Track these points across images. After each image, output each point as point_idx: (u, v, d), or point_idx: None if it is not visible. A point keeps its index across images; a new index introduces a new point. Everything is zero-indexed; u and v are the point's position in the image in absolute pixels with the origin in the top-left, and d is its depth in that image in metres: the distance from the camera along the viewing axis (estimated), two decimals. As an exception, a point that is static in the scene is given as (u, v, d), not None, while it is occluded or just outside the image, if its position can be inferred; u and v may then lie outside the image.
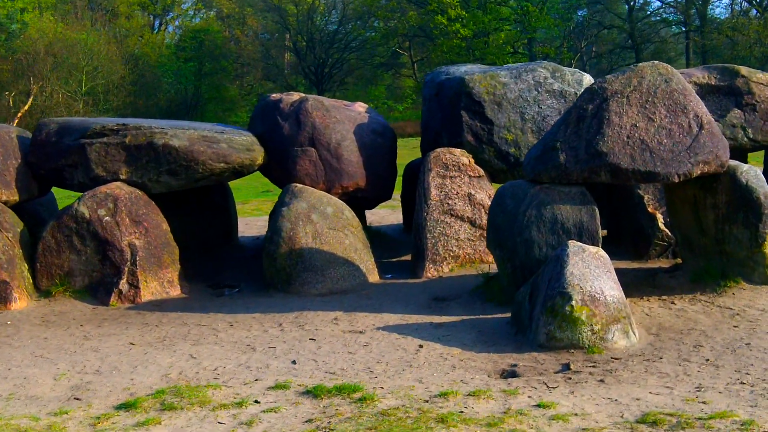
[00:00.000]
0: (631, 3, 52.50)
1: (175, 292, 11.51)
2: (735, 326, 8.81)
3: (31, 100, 45.92)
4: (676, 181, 9.54)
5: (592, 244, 9.48)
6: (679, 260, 11.26)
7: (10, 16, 50.95)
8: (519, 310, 9.11)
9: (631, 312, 8.67)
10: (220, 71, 60.03)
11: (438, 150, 12.10)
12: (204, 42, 59.83)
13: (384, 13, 53.51)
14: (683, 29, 51.11)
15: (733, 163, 10.08)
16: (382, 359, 8.23)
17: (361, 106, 13.42)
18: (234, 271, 12.90)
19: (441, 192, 11.84)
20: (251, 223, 17.35)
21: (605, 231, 12.97)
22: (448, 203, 11.82)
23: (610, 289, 8.55)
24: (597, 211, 9.67)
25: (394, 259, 13.22)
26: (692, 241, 10.61)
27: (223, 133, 12.01)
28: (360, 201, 12.69)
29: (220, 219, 14.09)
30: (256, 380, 7.67)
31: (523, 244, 9.64)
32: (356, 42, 60.00)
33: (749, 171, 9.99)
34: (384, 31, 56.93)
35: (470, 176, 12.01)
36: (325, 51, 58.87)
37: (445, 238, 11.70)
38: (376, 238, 14.24)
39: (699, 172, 9.59)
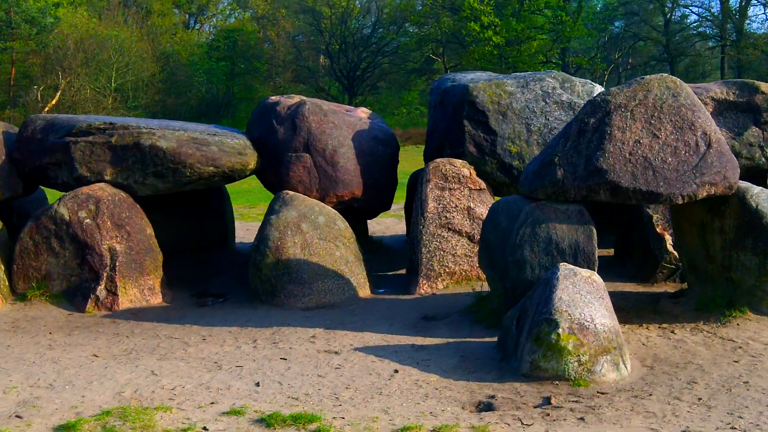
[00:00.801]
0: (668, 15, 51.56)
1: (156, 300, 11.07)
2: (735, 361, 8.19)
3: (59, 94, 45.91)
4: (680, 202, 8.94)
5: (588, 267, 8.90)
6: (685, 285, 10.61)
7: (43, 11, 50.94)
8: (506, 335, 8.55)
9: (623, 342, 8.07)
10: (252, 72, 59.84)
11: (438, 160, 11.55)
12: (237, 42, 59.66)
13: (417, 18, 52.95)
14: (719, 43, 50.04)
15: (744, 184, 9.45)
16: (352, 384, 7.70)
17: (363, 112, 12.91)
18: (225, 279, 12.45)
19: (439, 204, 11.29)
20: (253, 229, 16.86)
21: (612, 250, 12.39)
22: (445, 216, 11.26)
23: (602, 316, 7.96)
24: (594, 231, 9.08)
25: (392, 273, 12.70)
26: (698, 266, 9.99)
27: (216, 136, 11.55)
28: (356, 211, 12.17)
29: (215, 223, 13.62)
30: (212, 403, 7.17)
31: (515, 264, 9.07)
32: (390, 47, 59.54)
33: (760, 194, 9.35)
34: (418, 37, 56.49)
35: (470, 189, 11.45)
36: (357, 55, 58.44)
37: (441, 253, 11.14)
38: (377, 249, 13.75)
39: (705, 193, 8.97)
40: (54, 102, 45.73)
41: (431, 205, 11.27)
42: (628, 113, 9.09)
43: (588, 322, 7.84)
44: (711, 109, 12.12)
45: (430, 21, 53.31)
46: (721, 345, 8.66)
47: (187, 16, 68.36)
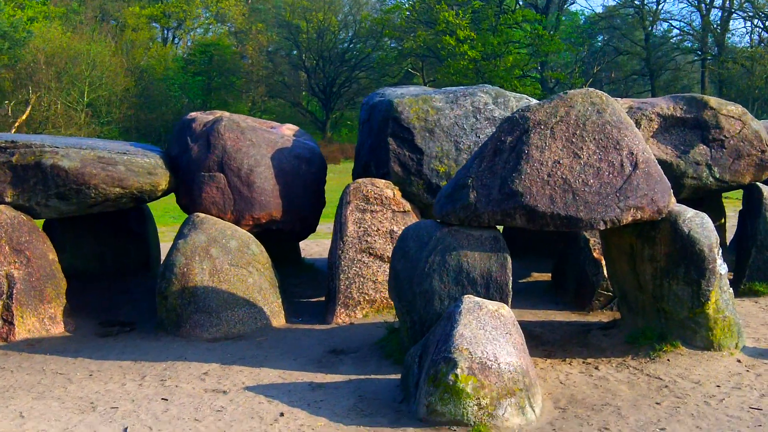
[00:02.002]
0: (649, 29, 50.95)
1: (57, 329, 10.28)
2: (657, 403, 7.47)
3: (29, 110, 45.07)
4: (602, 228, 8.19)
5: (501, 299, 8.16)
6: (618, 315, 9.87)
7: (15, 25, 50.20)
8: (407, 373, 7.80)
9: (534, 381, 7.32)
10: (228, 86, 59.14)
11: (359, 181, 10.80)
12: (213, 56, 58.99)
13: (392, 32, 52.29)
14: (699, 57, 49.45)
15: (678, 208, 8.73)
16: (229, 430, 6.92)
17: (288, 129, 12.15)
18: (141, 306, 11.64)
19: (359, 228, 10.53)
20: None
21: (550, 275, 11.67)
22: (366, 240, 10.50)
23: (507, 354, 7.21)
24: (509, 259, 8.34)
25: (317, 299, 11.90)
26: (629, 296, 9.26)
27: (125, 155, 10.78)
28: (276, 234, 11.37)
29: (136, 247, 12.85)
30: (61, 455, 6.37)
31: (422, 296, 8.32)
32: (367, 61, 58.88)
33: (694, 219, 8.62)
34: (397, 51, 55.85)
35: (394, 211, 10.69)
36: (334, 69, 57.75)
37: (361, 279, 10.38)
38: (307, 272, 13.00)
39: (630, 218, 8.24)
40: (24, 117, 44.89)
41: (351, 228, 10.52)
42: (548, 131, 8.37)
43: (491, 361, 7.10)
44: (656, 126, 11.43)
45: (406, 35, 52.60)
46: (647, 384, 7.93)
47: (164, 30, 67.63)
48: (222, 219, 10.80)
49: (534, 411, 7.18)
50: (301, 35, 57.52)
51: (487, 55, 46.10)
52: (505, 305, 7.78)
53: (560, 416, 7.22)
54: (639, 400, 7.56)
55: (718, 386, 7.82)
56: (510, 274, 8.31)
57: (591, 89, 8.74)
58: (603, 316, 10.39)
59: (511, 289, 8.30)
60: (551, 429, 6.96)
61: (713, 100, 11.77)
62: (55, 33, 51.69)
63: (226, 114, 11.67)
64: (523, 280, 12.58)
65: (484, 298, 8.19)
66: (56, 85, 47.50)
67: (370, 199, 10.68)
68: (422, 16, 51.13)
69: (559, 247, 11.74)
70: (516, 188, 8.16)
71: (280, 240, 11.99)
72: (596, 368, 8.46)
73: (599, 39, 55.88)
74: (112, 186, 10.53)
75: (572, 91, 8.71)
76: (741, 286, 11.26)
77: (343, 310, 10.32)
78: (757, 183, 11.57)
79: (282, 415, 7.30)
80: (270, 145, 11.32)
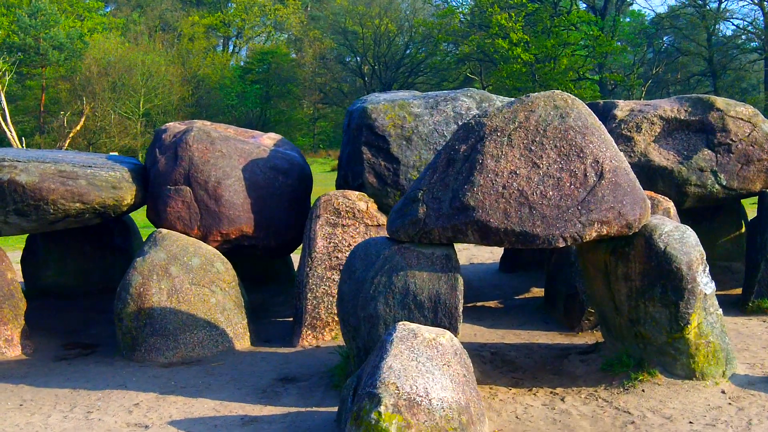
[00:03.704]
0: (711, 29, 49.26)
1: (14, 352, 9.83)
2: (615, 443, 6.61)
3: (83, 120, 45.38)
4: (561, 245, 7.39)
5: (449, 324, 7.43)
6: (601, 339, 9.03)
7: (71, 36, 50.74)
8: (342, 407, 7.08)
9: (475, 419, 6.56)
10: (286, 94, 59.02)
11: (330, 193, 10.11)
12: (271, 64, 58.94)
13: (445, 36, 51.48)
14: (762, 56, 47.59)
15: (655, 222, 7.88)
16: (129, 473, 6.29)
17: (269, 139, 11.52)
18: (112, 327, 11.10)
19: (329, 243, 9.85)
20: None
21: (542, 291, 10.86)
22: (336, 257, 9.81)
23: (442, 389, 6.45)
24: (460, 280, 7.58)
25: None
26: (608, 318, 8.43)
27: (90, 168, 10.28)
28: (249, 250, 10.74)
29: (122, 262, 12.33)
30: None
31: (367, 320, 7.62)
32: (423, 65, 58.18)
33: (672, 233, 7.77)
34: (455, 56, 55.09)
35: (367, 225, 9.99)
36: (391, 75, 57.17)
37: (330, 298, 9.70)
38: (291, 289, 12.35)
39: (594, 234, 7.42)
40: (78, 128, 45.23)
41: (320, 244, 9.84)
42: (505, 138, 7.60)
43: (421, 396, 6.35)
44: (659, 130, 10.54)
45: (462, 39, 51.77)
46: (612, 419, 7.11)
47: (221, 39, 67.84)
48: (188, 235, 10.21)
49: (471, 452, 6.40)
50: (358, 41, 57.05)
51: (541, 58, 45.00)
52: (446, 332, 7.01)
53: (502, 458, 6.44)
54: (597, 438, 6.74)
55: (691, 423, 6.98)
56: (461, 297, 7.56)
57: (556, 91, 7.94)
58: (591, 338, 9.56)
59: (461, 314, 7.54)
60: (486, 474, 6.17)
61: (721, 101, 10.82)
62: (111, 44, 52.07)
63: (199, 123, 11.08)
64: (520, 296, 11.79)
65: (432, 322, 7.47)
66: (111, 95, 47.75)
67: (342, 213, 10.00)
68: (477, 19, 50.26)
69: (549, 262, 10.90)
70: (468, 202, 7.41)
71: (259, 257, 11.35)
72: (562, 400, 7.66)
73: (662, 40, 54.31)
74: (72, 201, 10.03)
75: (535, 94, 7.92)
76: (749, 304, 10.31)
77: (309, 332, 9.66)
78: (768, 191, 10.59)
79: (195, 455, 6.63)
80: (243, 155, 10.69)
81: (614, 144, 7.86)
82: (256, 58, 61.28)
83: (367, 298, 7.64)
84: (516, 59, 44.21)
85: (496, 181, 7.44)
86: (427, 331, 6.91)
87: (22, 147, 38.53)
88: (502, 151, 7.56)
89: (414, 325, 6.96)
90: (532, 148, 7.55)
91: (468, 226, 7.43)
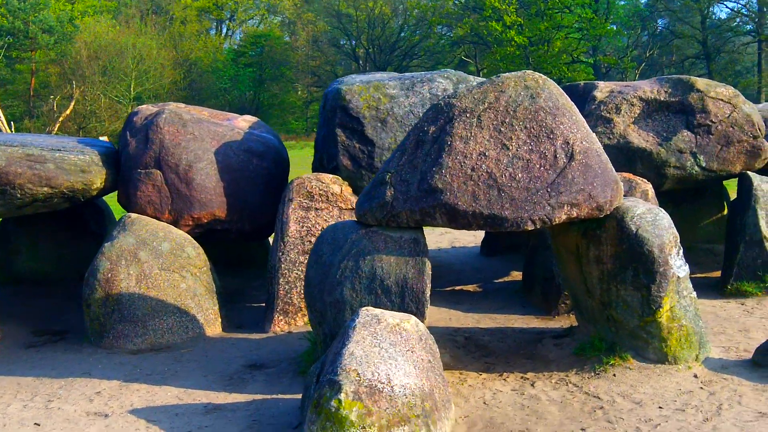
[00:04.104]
0: (705, 11, 48.95)
1: (-19, 340, 9.63)
2: (582, 429, 6.56)
3: (72, 104, 45.08)
4: (530, 228, 7.24)
5: (416, 308, 7.28)
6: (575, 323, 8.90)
7: (61, 20, 50.36)
8: (305, 394, 6.94)
9: (437, 406, 6.41)
10: (280, 77, 58.71)
11: (303, 176, 9.94)
12: (264, 47, 58.60)
13: (439, 19, 51.15)
14: (755, 38, 47.32)
15: (628, 204, 7.73)
16: (84, 463, 6.15)
17: (244, 121, 11.33)
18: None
19: (302, 227, 9.69)
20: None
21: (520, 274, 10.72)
22: (309, 241, 9.66)
23: (405, 376, 6.30)
24: (428, 264, 7.43)
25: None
26: (580, 301, 8.29)
27: (59, 151, 10.09)
28: (223, 235, 10.57)
29: (95, 248, 12.08)
30: None
31: (333, 306, 7.47)
32: (418, 48, 57.88)
33: (644, 215, 7.61)
34: (449, 39, 54.81)
35: (341, 209, 9.83)
36: (385, 58, 56.87)
37: (303, 283, 9.52)
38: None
39: (564, 216, 7.26)
40: (68, 112, 44.92)
41: (293, 228, 9.68)
42: (475, 119, 7.43)
43: (382, 383, 6.20)
44: (638, 111, 10.37)
45: (456, 22, 51.46)
46: (581, 405, 6.97)
47: (215, 22, 67.45)
48: (159, 219, 10.04)
49: (434, 440, 6.26)
50: (352, 24, 56.71)
51: (535, 41, 44.73)
52: (411, 318, 6.86)
53: (467, 445, 6.30)
54: (564, 425, 6.63)
55: (660, 407, 6.85)
56: (428, 281, 7.41)
57: (528, 71, 7.77)
58: (567, 322, 9.42)
59: (428, 298, 7.39)
60: (448, 462, 6.03)
61: (701, 82, 10.66)
62: (102, 27, 51.68)
63: (172, 105, 10.89)
64: (500, 280, 11.64)
65: (399, 308, 7.32)
66: (101, 79, 47.43)
67: (315, 196, 9.83)
68: (470, 2, 49.96)
69: (528, 245, 10.75)
70: (436, 184, 7.25)
71: (235, 241, 11.19)
72: (532, 385, 7.52)
73: (656, 23, 54.02)
74: (39, 186, 9.84)
75: (506, 74, 7.76)
76: (728, 286, 10.18)
77: (281, 317, 9.51)
78: (748, 172, 10.42)
79: (154, 445, 6.49)
80: (215, 138, 10.52)
81: (586, 125, 7.70)
82: (249, 41, 60.95)
83: (334, 283, 7.49)
84: (510, 42, 43.95)
85: (464, 163, 7.28)
86: (391, 317, 6.76)
87: (11, 131, 38.26)
88: (471, 133, 7.40)
89: (378, 311, 6.81)
90: (502, 129, 7.39)
91: (436, 209, 7.28)
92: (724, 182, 11.64)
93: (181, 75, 53.95)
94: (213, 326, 9.65)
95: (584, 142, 7.47)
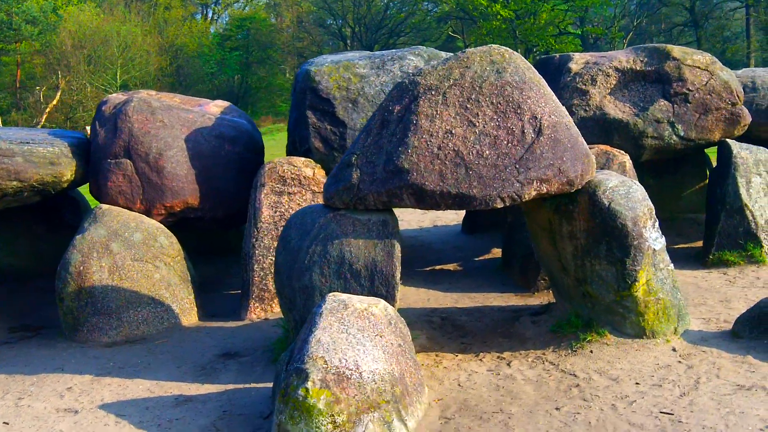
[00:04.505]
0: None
1: (-43, 338, 9.50)
2: (557, 408, 6.41)
3: (59, 94, 44.80)
4: (499, 205, 7.10)
5: (386, 292, 7.15)
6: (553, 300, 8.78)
7: (44, 10, 49.98)
8: (276, 384, 6.81)
9: (408, 390, 6.31)
10: (267, 60, 58.33)
11: (275, 160, 9.80)
12: (250, 30, 58.20)
13: (422, -7, 50.79)
14: (742, 3, 46.98)
15: (600, 177, 7.60)
16: (50, 462, 6.04)
17: (216, 107, 11.16)
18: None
19: (275, 212, 9.55)
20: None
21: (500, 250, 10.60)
22: (283, 226, 9.47)
23: (373, 361, 6.18)
24: (397, 247, 7.29)
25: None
26: (556, 278, 8.16)
27: (27, 144, 9.93)
28: (196, 223, 10.42)
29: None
30: None
31: (302, 292, 7.33)
32: (404, 25, 57.47)
33: (617, 189, 7.48)
34: (438, 15, 54.41)
35: (314, 192, 9.68)
36: (371, 36, 56.49)
37: (277, 269, 9.37)
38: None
39: (534, 193, 7.12)
40: (54, 102, 44.66)
41: (266, 213, 9.54)
42: (440, 97, 7.28)
43: (351, 370, 6.08)
44: (614, 82, 10.22)
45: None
46: (557, 383, 6.86)
47: (201, 7, 66.99)
48: (131, 209, 9.90)
49: (406, 425, 6.16)
50: (337, 3, 56.28)
51: (521, 14, 44.40)
52: (380, 302, 6.73)
53: (439, 429, 6.22)
54: (539, 404, 6.51)
55: (637, 383, 6.74)
56: (398, 264, 7.28)
57: (494, 46, 7.62)
58: (546, 298, 9.31)
59: (398, 281, 7.26)
60: (419, 447, 5.92)
61: (677, 50, 10.49)
62: (86, 15, 51.30)
63: (143, 93, 10.72)
64: (480, 258, 11.52)
65: (369, 291, 7.20)
66: (87, 68, 47.11)
67: (287, 180, 9.69)
68: (456, -24, 49.61)
69: (507, 220, 10.61)
70: (402, 164, 7.11)
71: (211, 229, 11.05)
72: (508, 364, 7.41)
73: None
74: (8, 180, 9.69)
75: (471, 49, 7.60)
76: (710, 257, 10.06)
77: (257, 304, 9.38)
78: (728, 140, 10.27)
79: (121, 440, 6.38)
80: (186, 125, 10.36)
81: (555, 98, 7.55)
82: (234, 25, 60.48)
83: (302, 269, 7.36)
84: (495, 16, 43.60)
85: (431, 141, 7.13)
86: (359, 302, 6.63)
87: (-1, 124, 38.02)
88: (436, 111, 7.25)
89: (345, 296, 6.68)
90: (468, 106, 7.24)
91: (403, 189, 7.14)
92: (707, 151, 11.50)
93: (167, 61, 53.62)
94: (188, 316, 9.53)
95: (553, 116, 7.32)
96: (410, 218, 15.32)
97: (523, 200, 7.14)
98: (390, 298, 7.17)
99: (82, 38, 48.14)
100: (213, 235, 11.62)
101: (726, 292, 9.06)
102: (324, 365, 6.08)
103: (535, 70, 7.62)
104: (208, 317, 9.74)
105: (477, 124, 7.18)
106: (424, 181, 7.06)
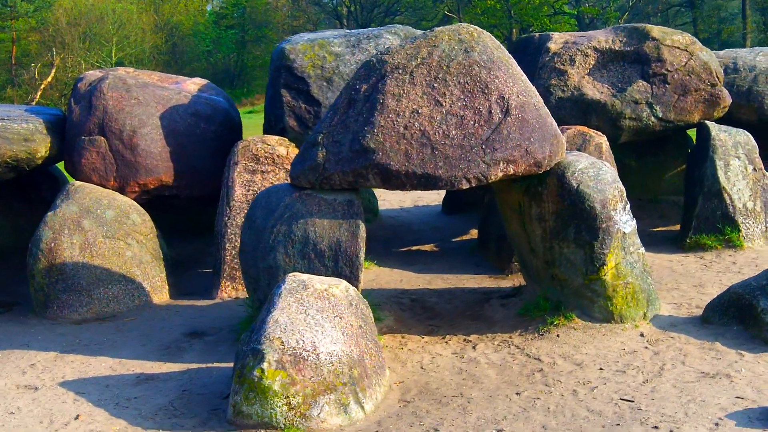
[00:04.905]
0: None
1: (-73, 314, 9.44)
2: (518, 393, 6.37)
3: (53, 72, 44.60)
4: (465, 186, 7.03)
5: (350, 273, 7.09)
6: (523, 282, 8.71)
7: (39, -14, 49.76)
8: (235, 364, 6.73)
9: (367, 373, 6.26)
10: (263, 38, 58.06)
11: (249, 139, 9.72)
12: (246, 8, 57.91)
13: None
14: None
15: (570, 158, 7.53)
16: (5, 440, 5.99)
17: (193, 84, 11.06)
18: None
19: (248, 191, 9.47)
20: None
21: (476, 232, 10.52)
22: (256, 205, 9.40)
23: (332, 343, 6.13)
24: (361, 227, 7.23)
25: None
26: (526, 260, 8.09)
27: (2, 120, 9.88)
28: (171, 201, 10.35)
29: (51, 217, 11.89)
30: None
31: (266, 272, 7.27)
32: (399, 4, 57.14)
33: (586, 170, 7.40)
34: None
35: (287, 171, 9.56)
36: (367, 15, 56.19)
37: (250, 248, 9.29)
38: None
39: (501, 174, 7.05)
40: (49, 79, 44.45)
41: (238, 192, 9.47)
42: (407, 76, 7.19)
43: (308, 351, 6.03)
44: (593, 62, 10.12)
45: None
46: (520, 367, 6.82)
47: (198, -16, 66.52)
48: (104, 187, 9.83)
49: (363, 408, 6.12)
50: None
51: (514, -7, 44.04)
52: (342, 283, 6.67)
53: (397, 412, 6.15)
54: (500, 389, 6.47)
55: (602, 369, 6.68)
56: (362, 244, 7.21)
57: (463, 24, 7.52)
58: (519, 281, 9.21)
59: (362, 262, 7.18)
60: (375, 430, 5.88)
61: (656, 30, 10.38)
62: (83, -7, 51.03)
63: (121, 71, 10.62)
64: (458, 238, 11.45)
65: (333, 272, 7.14)
66: (82, 45, 46.91)
67: (261, 159, 9.60)
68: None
69: (483, 203, 10.53)
70: (368, 144, 7.03)
71: (190, 208, 10.97)
72: (474, 347, 7.35)
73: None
74: (-20, 156, 9.59)
75: (440, 28, 7.50)
76: (687, 240, 9.97)
77: (228, 283, 9.33)
78: (707, 122, 10.17)
79: (77, 417, 6.37)
80: (161, 102, 10.26)
81: (524, 78, 7.45)
82: (230, 3, 60.16)
83: (267, 249, 7.30)
84: (489, -5, 43.25)
85: (397, 121, 7.05)
86: (320, 282, 6.56)
87: (-6, 100, 37.87)
88: (403, 90, 7.16)
89: (305, 276, 6.62)
90: (435, 85, 7.15)
91: (369, 170, 7.07)
92: (691, 132, 11.40)
93: (162, 39, 53.37)
94: (160, 294, 9.47)
95: (521, 96, 7.23)
96: (392, 198, 15.24)
97: (490, 181, 7.06)
98: (354, 279, 7.10)
99: (78, 15, 47.90)
100: (191, 214, 11.53)
101: (701, 277, 8.98)
102: (281, 346, 6.02)
103: (504, 50, 7.53)
104: (181, 295, 9.67)
105: (444, 103, 7.10)
106: (389, 161, 6.99)
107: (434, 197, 14.94)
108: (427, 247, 11.24)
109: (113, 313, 9.12)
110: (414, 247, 11.24)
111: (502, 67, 7.28)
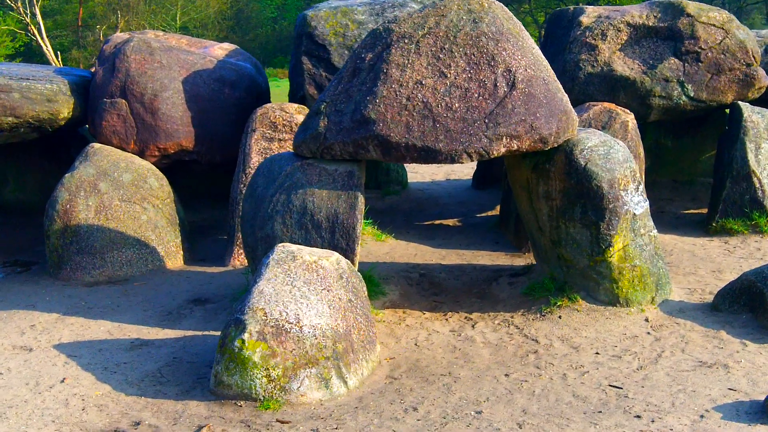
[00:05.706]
0: None
1: (-52, 269, 9.59)
2: (506, 375, 6.22)
3: (118, 33, 44.98)
4: (466, 161, 6.86)
5: (347, 245, 6.98)
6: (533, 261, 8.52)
7: (104, -52, 50.11)
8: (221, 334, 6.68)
9: (352, 348, 6.16)
10: (329, 4, 57.80)
11: (267, 106, 9.63)
12: (313, -29, 57.77)
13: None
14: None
15: (580, 136, 7.31)
16: (-12, 400, 6.03)
17: (221, 49, 11.00)
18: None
19: (264, 158, 9.35)
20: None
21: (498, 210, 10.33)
22: (272, 173, 9.33)
23: (316, 316, 6.03)
24: (360, 199, 7.10)
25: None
26: (535, 239, 7.90)
27: (26, 80, 9.91)
28: (192, 166, 10.33)
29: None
30: None
31: (263, 241, 7.19)
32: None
33: (596, 148, 7.18)
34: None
35: (305, 140, 9.46)
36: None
37: (264, 217, 9.23)
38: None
39: (503, 149, 6.85)
40: (113, 42, 44.83)
41: (254, 159, 9.40)
42: (413, 46, 7.02)
43: (290, 323, 5.94)
44: (625, 37, 9.82)
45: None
46: (515, 348, 6.66)
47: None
48: (124, 150, 9.84)
49: (346, 383, 6.02)
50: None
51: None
52: (333, 255, 6.57)
53: (381, 389, 6.05)
54: (490, 369, 6.32)
55: (598, 353, 6.49)
56: (360, 216, 7.09)
57: (476, -7, 7.27)
58: (529, 259, 9.01)
59: (359, 234, 7.05)
60: (354, 406, 5.80)
61: (692, 6, 10.01)
62: (148, -45, 51.30)
63: (150, 34, 10.61)
64: (483, 214, 11.27)
65: (329, 244, 7.03)
66: (146, 8, 47.24)
67: (279, 127, 9.51)
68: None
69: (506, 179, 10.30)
70: (369, 114, 6.88)
71: (215, 174, 10.95)
72: (473, 326, 7.21)
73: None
74: (3, 115, 9.69)
75: (452, -5, 7.26)
76: (713, 224, 9.65)
77: (242, 251, 9.26)
78: (739, 102, 9.81)
79: (63, 381, 6.36)
80: (184, 67, 10.21)
81: (535, 51, 7.22)
82: (296, -34, 60.03)
83: (265, 218, 7.21)
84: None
85: (400, 92, 6.89)
86: (309, 254, 6.46)
87: (59, 63, 38.37)
88: (408, 60, 6.98)
89: (295, 247, 6.52)
90: (441, 56, 6.97)
91: (369, 140, 6.93)
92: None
93: (227, 4, 53.52)
94: (174, 259, 9.47)
95: (529, 70, 7.01)
96: (424, 171, 15.07)
97: (492, 156, 6.87)
98: (350, 252, 6.99)
99: (141, -22, 48.24)
100: (212, 180, 11.51)
101: (721, 262, 8.69)
102: (263, 317, 5.95)
103: (516, 21, 7.31)
104: (196, 261, 9.66)
105: (448, 75, 6.91)
106: (389, 133, 6.84)
107: (467, 171, 14.74)
108: (450, 222, 11.07)
109: (126, 277, 9.13)
110: (437, 221, 11.08)
111: (511, 39, 7.06)
